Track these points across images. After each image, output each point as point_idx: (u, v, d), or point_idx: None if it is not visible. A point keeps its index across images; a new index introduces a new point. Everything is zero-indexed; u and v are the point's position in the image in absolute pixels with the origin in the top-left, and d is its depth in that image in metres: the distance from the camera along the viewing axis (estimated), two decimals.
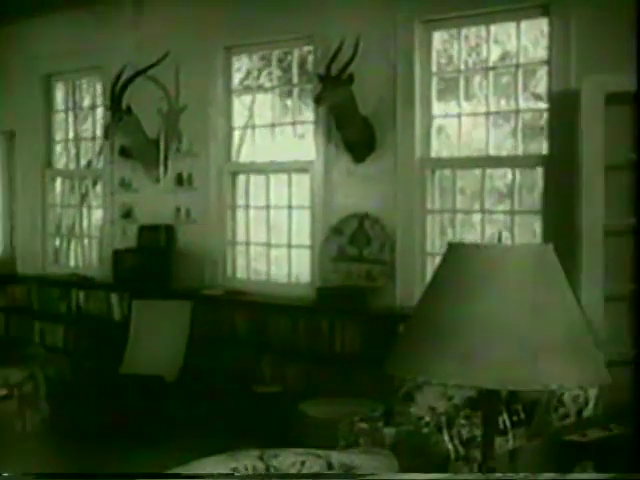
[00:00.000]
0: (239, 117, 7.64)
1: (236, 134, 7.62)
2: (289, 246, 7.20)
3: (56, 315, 8.47)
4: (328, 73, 6.30)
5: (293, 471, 2.49)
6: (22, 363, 6.93)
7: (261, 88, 7.60)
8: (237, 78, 7.64)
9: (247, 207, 7.50)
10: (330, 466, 2.56)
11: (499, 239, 2.49)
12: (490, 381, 2.25)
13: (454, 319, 2.34)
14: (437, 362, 2.30)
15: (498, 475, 2.30)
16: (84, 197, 9.07)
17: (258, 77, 7.66)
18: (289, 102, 7.39)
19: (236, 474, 2.40)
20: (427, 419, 3.26)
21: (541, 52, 5.95)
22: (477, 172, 6.21)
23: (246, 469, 2.42)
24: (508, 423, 3.26)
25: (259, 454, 2.50)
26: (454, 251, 2.50)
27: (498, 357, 2.25)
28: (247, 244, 7.53)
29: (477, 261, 2.40)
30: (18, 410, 6.76)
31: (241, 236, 7.57)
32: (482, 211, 6.16)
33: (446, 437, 3.09)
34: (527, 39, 6.06)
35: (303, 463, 2.50)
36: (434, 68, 6.31)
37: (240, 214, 7.56)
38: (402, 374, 2.35)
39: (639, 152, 5.20)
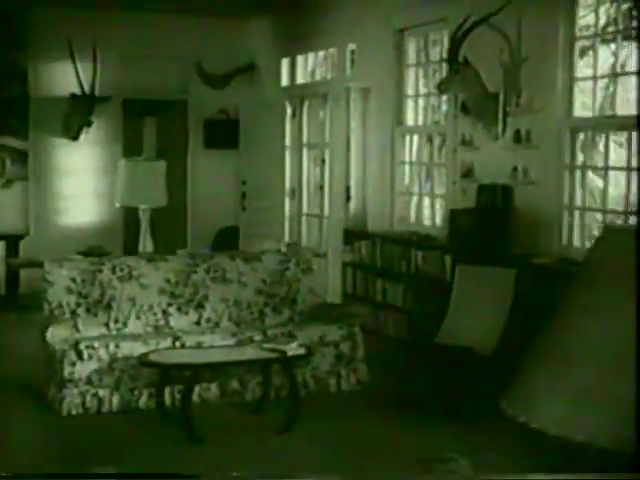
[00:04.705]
0: (580, 68, 6.87)
1: (577, 87, 6.86)
2: (626, 213, 6.35)
3: (397, 273, 8.35)
4: None
5: None
6: (342, 321, 6.87)
7: (604, 34, 6.72)
8: (580, 26, 6.84)
9: (584, 168, 6.74)
10: None
11: None
12: (608, 437, 1.59)
13: (579, 340, 1.70)
14: (543, 399, 1.69)
15: None
16: (432, 154, 8.80)
17: (605, 25, 6.80)
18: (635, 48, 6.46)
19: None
20: None
21: None
22: None
23: None
24: None
25: None
26: (607, 237, 1.83)
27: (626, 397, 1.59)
28: (583, 209, 6.77)
29: (631, 253, 1.72)
30: (332, 368, 6.73)
31: (578, 200, 6.84)
32: None
33: None
34: None
35: None
36: None
37: (577, 176, 6.83)
38: (505, 407, 1.77)
39: None
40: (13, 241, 10.17)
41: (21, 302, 9.61)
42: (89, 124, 10.62)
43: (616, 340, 1.64)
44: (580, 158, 6.81)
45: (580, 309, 1.72)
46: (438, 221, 8.47)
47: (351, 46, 9.66)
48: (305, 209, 10.68)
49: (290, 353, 5.90)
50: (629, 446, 1.55)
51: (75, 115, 10.64)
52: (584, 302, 1.72)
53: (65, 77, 10.52)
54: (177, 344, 6.22)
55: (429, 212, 8.71)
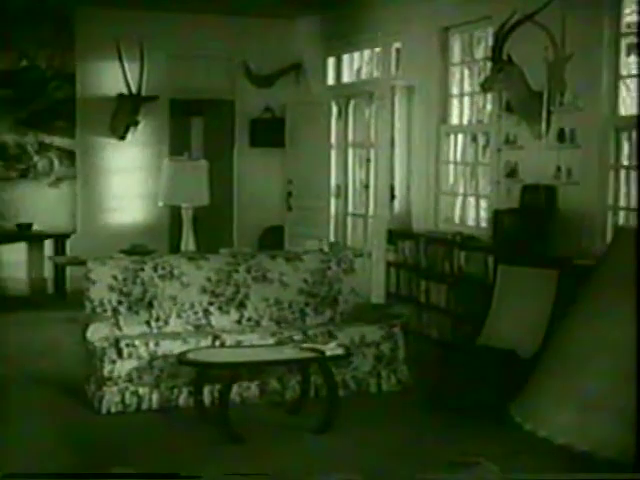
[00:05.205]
0: (630, 66, 6.77)
1: (623, 85, 6.76)
2: None
3: (441, 274, 8.30)
4: None
5: None
6: (382, 322, 6.83)
7: None
8: (628, 22, 6.74)
9: (628, 168, 6.63)
10: None
11: None
12: (614, 447, 1.55)
13: (586, 344, 1.66)
14: (551, 408, 1.65)
15: None
16: (476, 154, 8.73)
17: None
18: None
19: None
20: None
21: None
22: None
23: None
24: None
25: None
26: (621, 239, 1.79)
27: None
28: (627, 209, 6.67)
29: None
30: (373, 369, 6.69)
31: (622, 200, 6.74)
32: None
33: None
34: None
35: None
36: None
37: (622, 175, 6.74)
38: (513, 416, 1.74)
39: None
40: (61, 240, 10.32)
41: (69, 300, 9.75)
42: (136, 124, 10.71)
43: (624, 344, 1.61)
44: (626, 157, 6.70)
45: (590, 312, 1.69)
46: (482, 221, 8.40)
47: (396, 45, 9.64)
48: (350, 209, 10.67)
49: (328, 353, 5.88)
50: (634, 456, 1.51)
51: (122, 115, 10.75)
52: (594, 305, 1.69)
53: (112, 77, 10.63)
54: (217, 343, 6.23)
55: (473, 212, 8.65)
